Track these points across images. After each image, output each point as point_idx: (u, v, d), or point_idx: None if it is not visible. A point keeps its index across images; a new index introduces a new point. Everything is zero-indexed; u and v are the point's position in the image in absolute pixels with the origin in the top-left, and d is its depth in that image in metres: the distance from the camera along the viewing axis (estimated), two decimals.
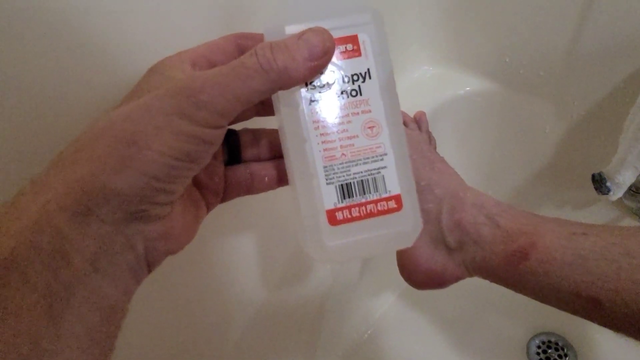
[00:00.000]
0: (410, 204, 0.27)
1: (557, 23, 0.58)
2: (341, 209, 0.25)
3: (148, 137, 0.20)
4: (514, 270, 0.41)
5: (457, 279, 0.48)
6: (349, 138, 0.25)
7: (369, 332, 0.72)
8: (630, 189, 0.62)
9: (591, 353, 0.65)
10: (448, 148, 0.69)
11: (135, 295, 0.23)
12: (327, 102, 0.25)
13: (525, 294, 0.42)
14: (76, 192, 0.19)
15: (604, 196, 0.60)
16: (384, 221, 0.26)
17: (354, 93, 0.25)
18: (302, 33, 0.24)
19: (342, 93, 0.25)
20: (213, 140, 0.22)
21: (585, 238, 0.38)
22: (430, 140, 0.62)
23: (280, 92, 0.25)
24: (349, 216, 0.25)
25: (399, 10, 0.63)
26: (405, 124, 0.60)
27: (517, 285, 0.43)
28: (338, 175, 0.25)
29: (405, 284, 0.73)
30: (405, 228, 0.27)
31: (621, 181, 0.57)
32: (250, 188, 0.30)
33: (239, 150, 0.30)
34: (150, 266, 0.23)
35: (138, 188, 0.20)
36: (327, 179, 0.25)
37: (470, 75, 0.68)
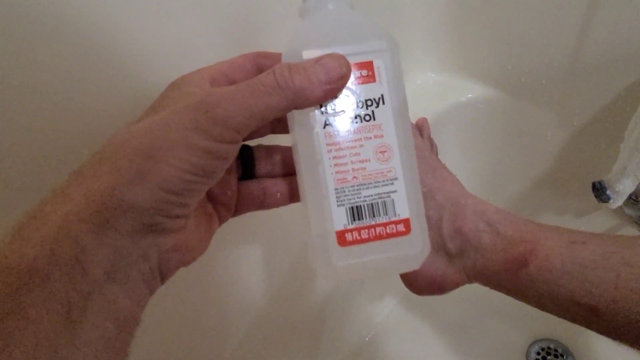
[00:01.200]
0: (419, 227, 0.27)
1: (560, 31, 0.59)
2: (351, 230, 0.26)
3: (164, 151, 0.21)
4: (513, 277, 0.42)
5: (457, 285, 0.49)
6: (361, 162, 0.26)
7: (370, 336, 0.72)
8: (630, 197, 0.63)
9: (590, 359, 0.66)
10: (450, 155, 0.69)
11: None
12: (341, 126, 0.26)
13: (525, 300, 0.43)
14: (95, 204, 0.20)
15: (604, 204, 0.61)
16: (392, 244, 0.26)
17: (367, 118, 0.26)
18: (320, 58, 0.24)
19: (356, 117, 0.26)
20: (227, 155, 0.23)
21: (585, 247, 0.39)
22: (432, 147, 0.62)
23: (295, 113, 0.25)
24: (358, 238, 0.26)
25: (404, 17, 0.63)
26: None
27: (516, 292, 0.43)
28: (349, 197, 0.26)
29: (406, 289, 0.74)
30: (412, 251, 0.27)
31: (621, 190, 0.58)
32: (262, 203, 0.30)
33: (253, 165, 0.30)
34: (163, 277, 0.23)
35: (154, 201, 0.20)
36: (338, 201, 0.26)
37: (473, 82, 0.68)
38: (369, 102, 0.26)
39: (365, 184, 0.26)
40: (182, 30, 0.34)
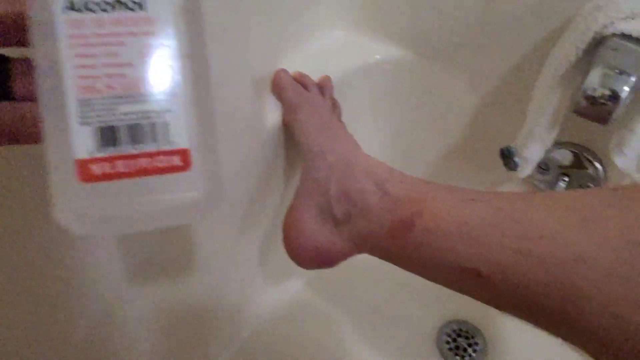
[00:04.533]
0: (204, 163, 0.20)
1: None
2: (100, 160, 0.18)
3: None
4: (399, 243, 0.36)
5: (345, 256, 0.43)
6: (120, 66, 0.18)
7: (272, 321, 0.65)
8: (539, 166, 0.59)
9: (500, 341, 0.62)
10: (359, 120, 0.63)
11: None
12: (91, 11, 0.18)
13: (413, 270, 0.37)
14: None
15: (514, 173, 0.57)
16: (163, 182, 0.19)
17: (132, 6, 0.19)
18: None
19: (117, 3, 0.18)
20: None
21: (474, 204, 0.33)
22: (335, 107, 0.56)
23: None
24: (110, 171, 0.18)
25: None
26: (306, 87, 0.53)
27: (404, 261, 0.38)
28: (99, 114, 0.18)
29: (312, 271, 0.67)
30: (192, 195, 0.20)
31: (529, 156, 0.53)
32: (17, 133, 0.22)
33: (8, 82, 0.23)
34: None
35: None
36: (81, 118, 0.18)
37: (382, 43, 0.63)
38: None
39: (124, 97, 0.18)
40: None
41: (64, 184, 0.18)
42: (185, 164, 0.19)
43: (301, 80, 0.54)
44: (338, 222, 0.42)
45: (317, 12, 0.62)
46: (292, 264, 0.46)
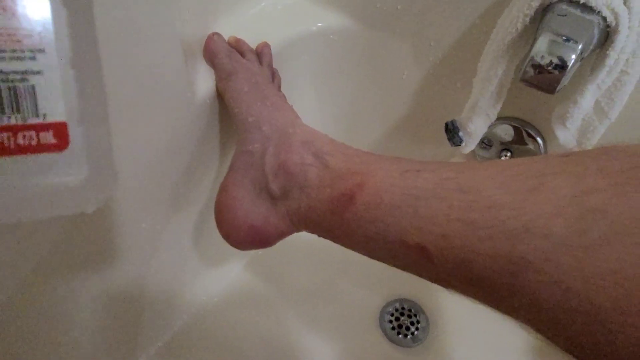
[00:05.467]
0: (88, 141, 0.16)
1: None
2: None
3: None
4: (340, 219, 0.33)
5: (283, 234, 0.40)
6: None
7: (207, 309, 0.61)
8: (482, 141, 0.58)
9: (443, 318, 0.61)
10: (299, 92, 0.60)
11: None
12: None
13: (355, 248, 0.35)
14: None
15: (458, 148, 0.55)
16: (32, 164, 0.15)
17: None
18: None
19: None
20: None
21: (418, 175, 0.31)
22: (274, 77, 0.52)
23: None
24: None
25: None
26: (242, 53, 0.49)
27: (345, 238, 0.35)
28: None
29: (252, 252, 0.62)
30: (72, 180, 0.16)
31: (473, 130, 0.52)
32: None
33: None
34: None
35: None
36: None
37: (325, 8, 0.59)
38: None
39: None
40: None
41: None
42: (61, 142, 0.15)
43: (237, 46, 0.50)
44: (274, 198, 0.39)
45: None
46: (228, 246, 0.42)
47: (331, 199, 0.33)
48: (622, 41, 0.38)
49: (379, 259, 0.33)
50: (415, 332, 0.60)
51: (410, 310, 0.62)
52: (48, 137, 0.15)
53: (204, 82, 0.47)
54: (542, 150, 0.56)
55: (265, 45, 0.53)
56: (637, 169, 0.23)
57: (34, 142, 0.15)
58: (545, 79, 0.36)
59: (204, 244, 0.59)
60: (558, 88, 0.37)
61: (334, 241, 0.36)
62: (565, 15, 0.37)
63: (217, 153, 0.53)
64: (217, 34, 0.49)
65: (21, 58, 0.14)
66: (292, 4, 0.59)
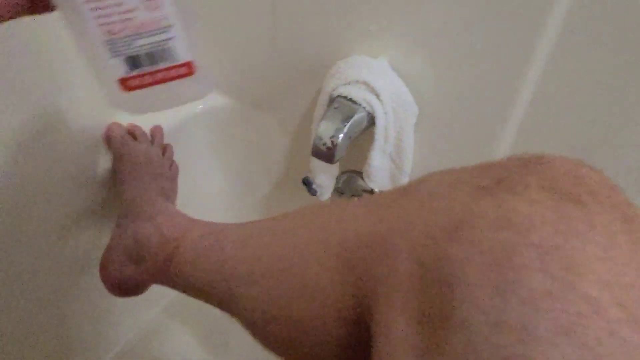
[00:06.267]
0: (202, 67, 0.30)
1: (256, 36, 0.64)
2: (132, 77, 0.28)
3: None
4: (169, 274, 0.47)
5: (145, 286, 0.54)
6: (128, 12, 0.26)
7: (127, 354, 0.73)
8: (336, 189, 0.73)
9: None
10: (195, 163, 0.74)
11: None
12: None
13: (188, 294, 0.47)
14: None
15: (317, 197, 0.70)
16: (178, 84, 0.29)
17: None
18: None
19: None
20: None
21: (205, 239, 0.44)
22: (164, 152, 0.65)
23: None
24: (141, 83, 0.28)
25: None
26: (136, 137, 0.62)
27: (177, 288, 0.48)
28: (122, 48, 0.27)
29: (171, 296, 0.75)
30: (197, 88, 0.30)
31: (322, 184, 0.67)
32: None
33: None
34: None
35: None
36: (110, 53, 0.27)
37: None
38: None
39: (137, 34, 0.27)
40: None
41: (113, 96, 0.28)
42: (190, 71, 0.29)
43: (132, 131, 0.64)
44: (135, 260, 0.52)
45: None
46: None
47: (163, 259, 0.47)
48: (382, 120, 0.53)
49: (209, 303, 0.45)
50: None
51: None
52: (183, 70, 0.28)
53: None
54: None
55: (157, 127, 0.67)
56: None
57: (177, 74, 0.28)
58: (325, 154, 0.51)
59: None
60: (335, 160, 0.51)
61: (177, 290, 0.49)
62: (338, 107, 0.52)
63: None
64: (115, 122, 0.63)
65: (162, 32, 0.27)
66: None
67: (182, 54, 0.28)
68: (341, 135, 0.51)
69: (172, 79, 0.28)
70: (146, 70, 0.28)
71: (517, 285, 0.19)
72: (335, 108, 0.52)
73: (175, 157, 0.66)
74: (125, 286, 0.53)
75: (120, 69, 0.27)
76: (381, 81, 0.52)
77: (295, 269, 0.32)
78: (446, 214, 0.24)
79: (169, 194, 0.61)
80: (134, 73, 0.27)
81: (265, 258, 0.35)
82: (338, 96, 0.53)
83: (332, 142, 0.50)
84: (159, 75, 0.28)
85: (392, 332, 0.23)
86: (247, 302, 0.35)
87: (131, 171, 0.59)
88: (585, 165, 0.24)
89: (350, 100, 0.53)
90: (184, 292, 0.47)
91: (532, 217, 0.21)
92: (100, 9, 0.25)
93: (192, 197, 0.67)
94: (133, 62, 0.27)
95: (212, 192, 0.79)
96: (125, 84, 0.28)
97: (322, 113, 0.56)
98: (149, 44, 0.27)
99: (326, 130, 0.51)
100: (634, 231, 0.21)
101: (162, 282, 0.50)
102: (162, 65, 0.28)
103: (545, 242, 0.20)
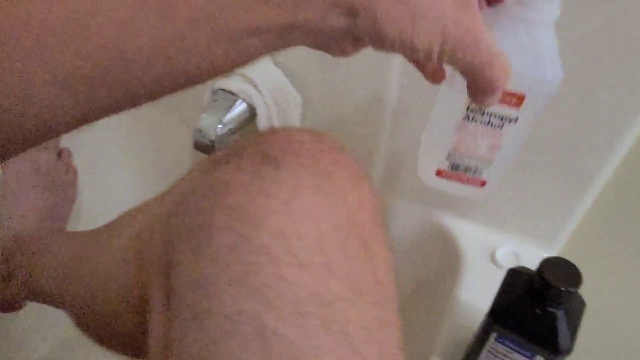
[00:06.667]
0: (491, 187, 0.38)
1: None
2: (446, 171, 0.38)
3: None
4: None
5: (17, 303, 0.53)
6: (476, 147, 0.36)
7: None
8: None
9: None
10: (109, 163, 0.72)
11: None
12: (477, 117, 0.34)
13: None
14: None
15: None
16: (470, 187, 0.38)
17: (497, 126, 0.34)
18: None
19: (490, 121, 0.34)
20: None
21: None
22: (67, 171, 0.64)
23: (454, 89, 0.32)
24: (448, 175, 0.38)
25: None
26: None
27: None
28: (455, 158, 0.37)
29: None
30: (479, 195, 0.39)
31: None
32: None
33: None
34: None
35: None
36: (447, 156, 0.37)
37: None
38: (503, 118, 0.33)
39: (469, 156, 0.36)
40: None
41: (425, 173, 0.38)
42: (482, 185, 0.38)
43: None
44: (5, 280, 0.52)
45: None
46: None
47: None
48: (263, 110, 0.54)
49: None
50: None
51: None
52: (478, 183, 0.38)
53: None
54: None
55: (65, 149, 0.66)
56: None
57: (474, 183, 0.38)
58: (206, 146, 0.51)
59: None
60: (215, 150, 0.51)
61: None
62: (217, 99, 0.53)
63: None
64: None
65: (484, 163, 0.37)
66: None
67: (485, 176, 0.38)
68: (220, 127, 0.51)
69: (469, 182, 0.38)
70: (458, 174, 0.38)
71: (207, 245, 0.21)
72: (214, 101, 0.52)
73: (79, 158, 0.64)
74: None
75: (443, 164, 0.38)
76: (259, 72, 0.53)
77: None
78: (179, 189, 0.25)
79: (59, 210, 0.60)
80: (450, 170, 0.38)
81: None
82: (218, 89, 0.53)
83: (210, 135, 0.50)
84: (463, 178, 0.38)
85: (151, 306, 0.25)
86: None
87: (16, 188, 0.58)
88: (321, 134, 0.25)
89: (230, 92, 0.53)
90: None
91: (230, 183, 0.22)
92: (464, 135, 0.35)
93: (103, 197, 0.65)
94: (454, 165, 0.37)
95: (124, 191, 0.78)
96: (439, 172, 0.38)
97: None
98: (471, 163, 0.37)
99: (207, 123, 0.51)
100: (323, 184, 0.22)
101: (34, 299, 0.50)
102: (469, 175, 0.38)
103: (236, 203, 0.21)
